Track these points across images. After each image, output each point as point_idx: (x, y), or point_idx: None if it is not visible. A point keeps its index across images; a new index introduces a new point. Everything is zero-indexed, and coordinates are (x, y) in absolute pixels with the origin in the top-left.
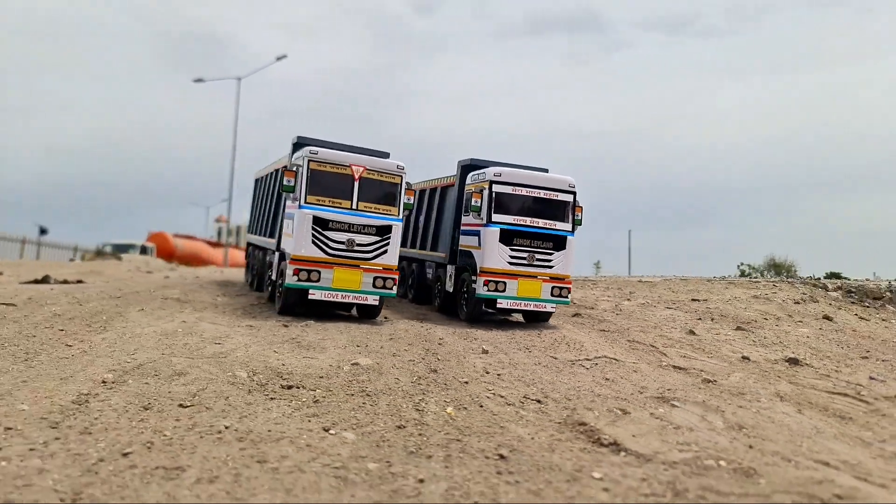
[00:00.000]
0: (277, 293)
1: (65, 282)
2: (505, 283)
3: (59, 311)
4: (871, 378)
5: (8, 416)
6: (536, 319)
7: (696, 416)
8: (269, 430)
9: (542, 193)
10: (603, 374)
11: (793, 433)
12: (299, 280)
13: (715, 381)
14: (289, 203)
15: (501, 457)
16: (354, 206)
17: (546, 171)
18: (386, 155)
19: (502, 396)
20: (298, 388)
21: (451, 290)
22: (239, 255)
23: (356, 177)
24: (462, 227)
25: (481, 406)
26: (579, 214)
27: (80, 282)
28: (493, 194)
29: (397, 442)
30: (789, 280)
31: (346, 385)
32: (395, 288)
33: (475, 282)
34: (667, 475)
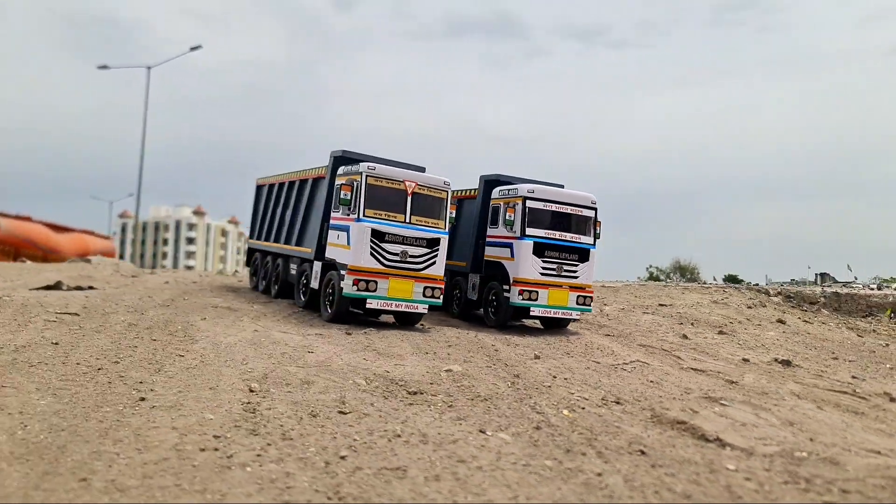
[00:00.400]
0: (326, 301)
1: (78, 288)
2: (538, 292)
3: (128, 320)
4: (854, 377)
5: (203, 424)
6: (556, 326)
7: (751, 415)
8: (439, 433)
9: (568, 209)
10: (646, 377)
11: (831, 427)
12: (358, 290)
13: (735, 381)
14: (336, 214)
15: (642, 452)
16: (407, 220)
17: (563, 186)
18: (422, 170)
19: (586, 399)
20: (422, 393)
21: (474, 298)
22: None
23: (409, 192)
24: (489, 239)
25: (583, 408)
26: (598, 229)
27: (91, 287)
28: (527, 209)
29: (547, 441)
30: (736, 286)
31: (459, 390)
32: (441, 297)
33: (508, 291)
34: (779, 465)
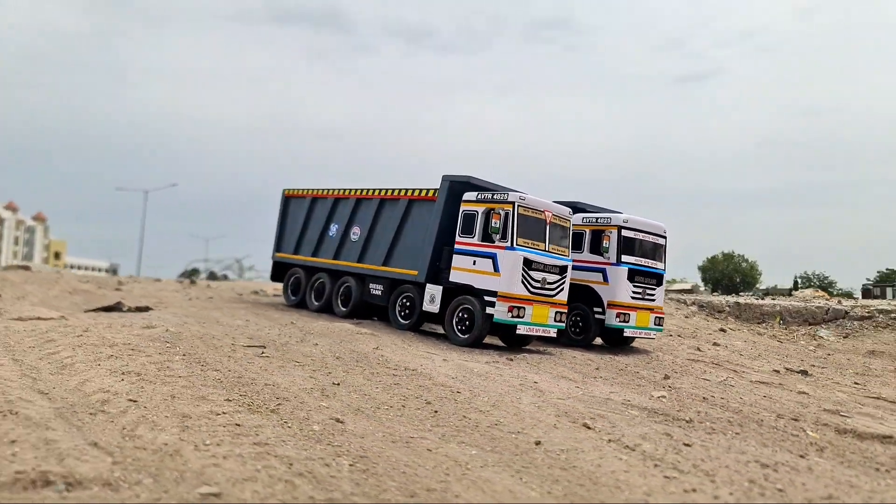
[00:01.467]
0: (458, 326)
1: (138, 309)
2: (629, 314)
3: (321, 354)
4: (856, 383)
5: (647, 476)
6: (620, 344)
7: (884, 425)
8: (796, 464)
9: (650, 238)
10: (753, 392)
11: None
12: (512, 316)
13: (806, 392)
14: (469, 240)
15: None
16: (547, 248)
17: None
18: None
19: (807, 426)
20: (691, 421)
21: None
22: None
23: (548, 221)
24: (578, 264)
25: (802, 429)
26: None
27: (148, 308)
28: (622, 238)
29: (850, 464)
30: None
31: (705, 417)
32: (564, 321)
33: (602, 313)
34: None
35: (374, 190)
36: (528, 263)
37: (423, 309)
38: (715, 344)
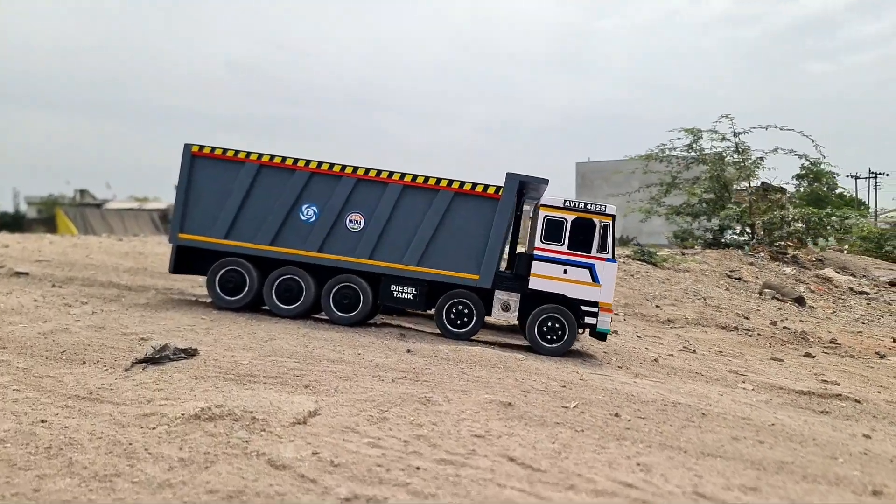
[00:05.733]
0: (546, 336)
1: (185, 352)
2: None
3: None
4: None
5: None
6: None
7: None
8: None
9: None
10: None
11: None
12: (610, 324)
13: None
14: (555, 248)
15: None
16: None
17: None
18: None
19: None
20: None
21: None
22: None
23: None
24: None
25: None
26: None
27: (193, 352)
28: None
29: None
30: None
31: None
32: None
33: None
34: None
35: (386, 172)
36: None
37: (494, 317)
38: None
